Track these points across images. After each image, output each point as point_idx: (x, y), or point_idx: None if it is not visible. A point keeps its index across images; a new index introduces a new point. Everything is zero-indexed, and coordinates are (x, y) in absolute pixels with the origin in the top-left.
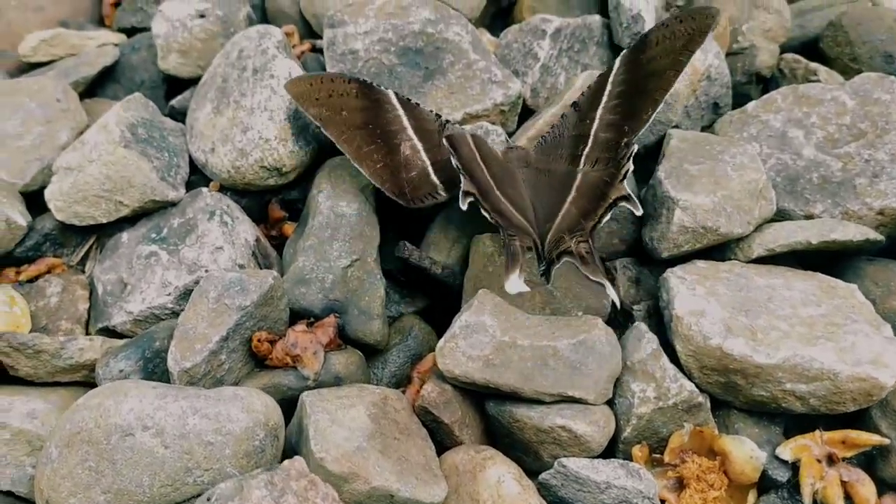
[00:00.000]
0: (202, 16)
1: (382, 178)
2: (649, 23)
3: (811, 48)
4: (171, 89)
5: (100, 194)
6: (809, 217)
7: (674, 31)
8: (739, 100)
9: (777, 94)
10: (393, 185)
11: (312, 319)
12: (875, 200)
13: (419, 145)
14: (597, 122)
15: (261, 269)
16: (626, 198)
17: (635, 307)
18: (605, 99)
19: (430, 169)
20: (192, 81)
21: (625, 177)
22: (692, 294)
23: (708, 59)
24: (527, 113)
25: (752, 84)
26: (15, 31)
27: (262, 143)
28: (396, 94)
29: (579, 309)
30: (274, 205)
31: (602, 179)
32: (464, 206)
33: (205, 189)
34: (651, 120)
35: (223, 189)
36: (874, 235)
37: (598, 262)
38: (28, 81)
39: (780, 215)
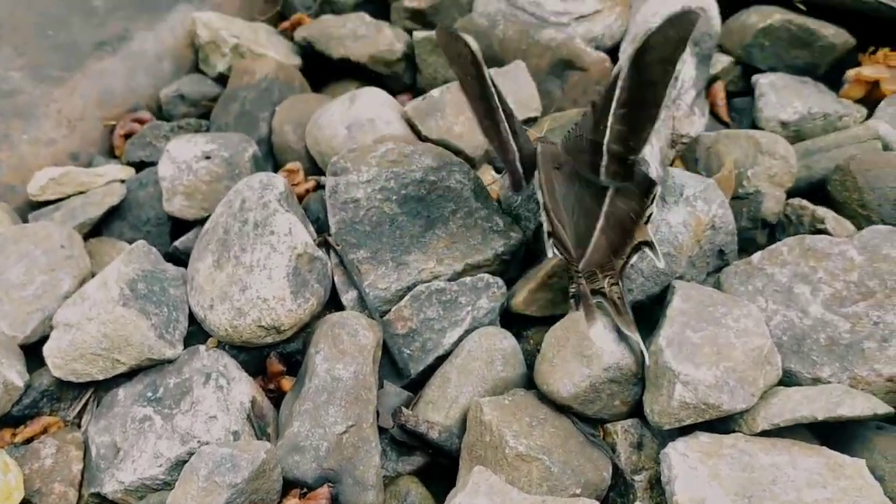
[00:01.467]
0: (208, 157)
1: (501, 157)
2: (653, 166)
3: (818, 190)
4: (176, 228)
5: (97, 352)
6: (817, 380)
7: (666, 36)
8: (745, 244)
9: (783, 246)
10: (506, 167)
11: (305, 490)
12: (885, 367)
13: (507, 128)
14: (608, 131)
15: (256, 432)
16: (649, 244)
17: (636, 477)
18: (614, 105)
19: (517, 157)
20: (198, 222)
21: (649, 219)
22: (694, 476)
23: (712, 209)
24: (530, 258)
25: (757, 229)
26: (27, 164)
27: (259, 303)
28: (488, 73)
29: (578, 485)
30: (272, 359)
31: (628, 215)
32: (550, 253)
33: (202, 347)
34: (650, 138)
35: (221, 344)
36: (883, 409)
37: (629, 311)
38: (35, 227)
39: (787, 377)
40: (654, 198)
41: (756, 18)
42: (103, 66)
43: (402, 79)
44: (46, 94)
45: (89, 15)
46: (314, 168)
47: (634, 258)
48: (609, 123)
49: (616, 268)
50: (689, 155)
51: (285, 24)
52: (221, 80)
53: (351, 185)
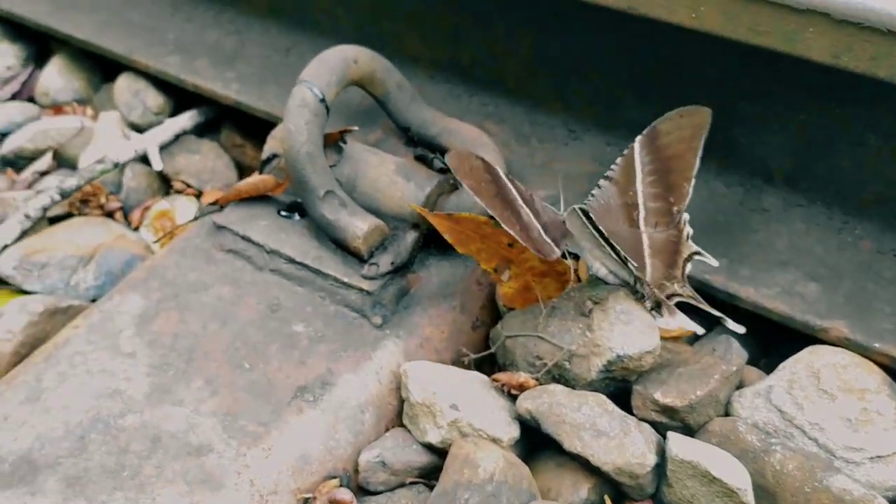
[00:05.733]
0: None
1: (524, 238)
2: None
3: None
4: None
5: None
6: None
7: (678, 123)
8: None
9: None
10: (532, 245)
11: None
12: None
13: (529, 212)
14: (640, 195)
15: None
16: (698, 252)
17: None
18: (639, 176)
19: (542, 231)
20: None
21: (688, 237)
22: None
23: None
24: None
25: None
26: None
27: None
28: (502, 172)
29: None
30: None
31: (669, 240)
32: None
33: None
34: (691, 192)
35: None
36: None
37: (703, 301)
38: None
39: None
40: (686, 221)
41: None
42: (303, 420)
43: (644, 488)
44: (239, 457)
45: (290, 344)
46: None
47: (689, 267)
48: (639, 189)
49: (678, 277)
50: None
51: (502, 377)
52: (431, 447)
53: None
